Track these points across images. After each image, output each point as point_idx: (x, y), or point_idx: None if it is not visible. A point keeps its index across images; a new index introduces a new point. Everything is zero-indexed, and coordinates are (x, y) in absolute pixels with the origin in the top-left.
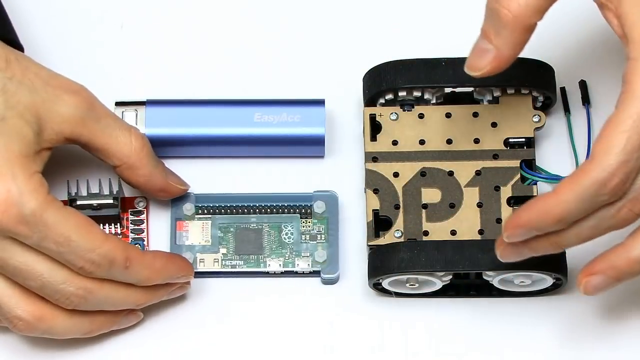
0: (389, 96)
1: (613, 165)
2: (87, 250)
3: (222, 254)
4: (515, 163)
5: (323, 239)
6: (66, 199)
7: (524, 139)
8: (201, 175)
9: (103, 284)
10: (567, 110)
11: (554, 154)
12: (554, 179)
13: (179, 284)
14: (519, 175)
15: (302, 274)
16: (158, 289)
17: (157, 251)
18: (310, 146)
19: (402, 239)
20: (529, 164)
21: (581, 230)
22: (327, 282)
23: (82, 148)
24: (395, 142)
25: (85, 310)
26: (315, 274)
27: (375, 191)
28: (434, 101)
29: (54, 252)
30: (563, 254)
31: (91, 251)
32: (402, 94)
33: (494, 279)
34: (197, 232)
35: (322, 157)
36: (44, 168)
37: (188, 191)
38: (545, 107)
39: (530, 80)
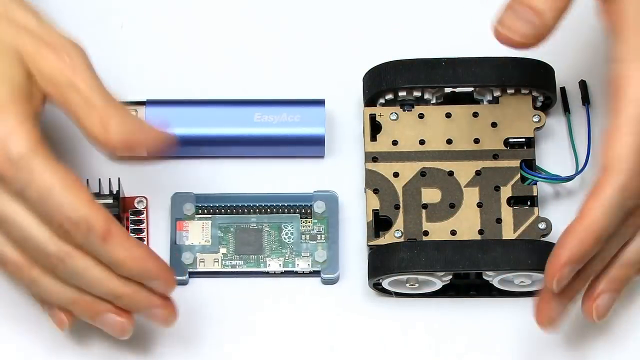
0: (389, 96)
1: (630, 167)
2: (68, 208)
3: (222, 254)
4: (515, 163)
5: (323, 239)
6: None
7: (524, 139)
8: (201, 175)
9: (82, 254)
10: (567, 110)
11: (554, 154)
12: (554, 179)
13: (160, 301)
14: (519, 175)
15: (302, 274)
16: (136, 289)
17: (141, 242)
18: (310, 146)
19: (402, 239)
20: (529, 164)
21: (613, 246)
22: (327, 282)
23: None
24: (395, 142)
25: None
26: (315, 274)
27: (375, 191)
28: (434, 101)
29: (35, 203)
30: None
31: (73, 210)
32: (402, 94)
33: (494, 279)
34: (197, 232)
35: (322, 157)
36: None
37: (188, 191)
38: (545, 107)
39: (530, 80)
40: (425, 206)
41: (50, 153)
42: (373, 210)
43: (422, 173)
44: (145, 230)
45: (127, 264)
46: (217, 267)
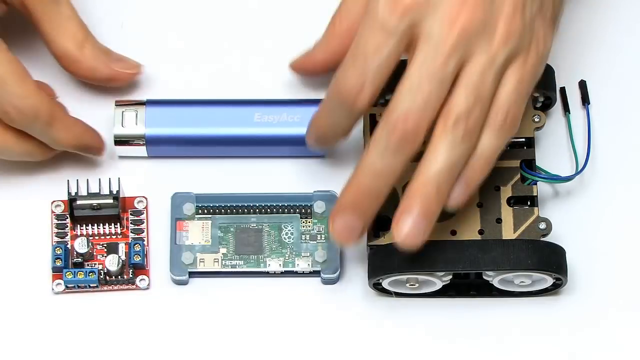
0: (389, 96)
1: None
2: (17, 96)
3: (222, 254)
4: (515, 163)
5: (323, 239)
6: (66, 198)
7: (524, 139)
8: (201, 175)
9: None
10: (567, 110)
11: (554, 154)
12: (554, 179)
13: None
14: (519, 175)
15: (302, 274)
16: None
17: (77, 119)
18: None
19: None
20: (529, 164)
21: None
22: (327, 282)
23: (33, 24)
24: None
25: None
26: (315, 274)
27: None
28: None
29: None
30: (563, 254)
31: (21, 98)
32: None
33: (494, 279)
34: (197, 232)
35: (322, 157)
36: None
37: (188, 191)
38: (545, 107)
39: None
40: None
41: (3, 44)
42: None
43: None
44: (145, 230)
45: (68, 142)
46: (217, 267)
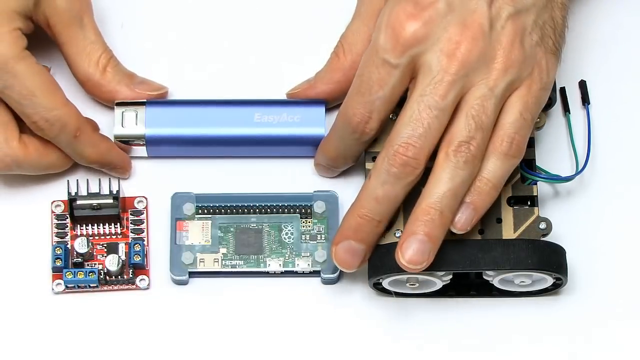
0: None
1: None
2: (45, 108)
3: (222, 254)
4: None
5: (323, 239)
6: (66, 198)
7: None
8: (201, 175)
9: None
10: (567, 110)
11: (554, 154)
12: (554, 179)
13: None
14: (519, 175)
15: (302, 274)
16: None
17: (106, 137)
18: (310, 146)
19: None
20: (529, 164)
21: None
22: (327, 282)
23: (58, 46)
24: None
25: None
26: (315, 274)
27: None
28: None
29: (14, 102)
30: (563, 254)
31: (49, 110)
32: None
33: (494, 279)
34: (197, 232)
35: None
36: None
37: (188, 191)
38: (546, 107)
39: None
40: None
41: (33, 58)
42: None
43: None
44: (145, 230)
45: (92, 158)
46: (217, 267)
